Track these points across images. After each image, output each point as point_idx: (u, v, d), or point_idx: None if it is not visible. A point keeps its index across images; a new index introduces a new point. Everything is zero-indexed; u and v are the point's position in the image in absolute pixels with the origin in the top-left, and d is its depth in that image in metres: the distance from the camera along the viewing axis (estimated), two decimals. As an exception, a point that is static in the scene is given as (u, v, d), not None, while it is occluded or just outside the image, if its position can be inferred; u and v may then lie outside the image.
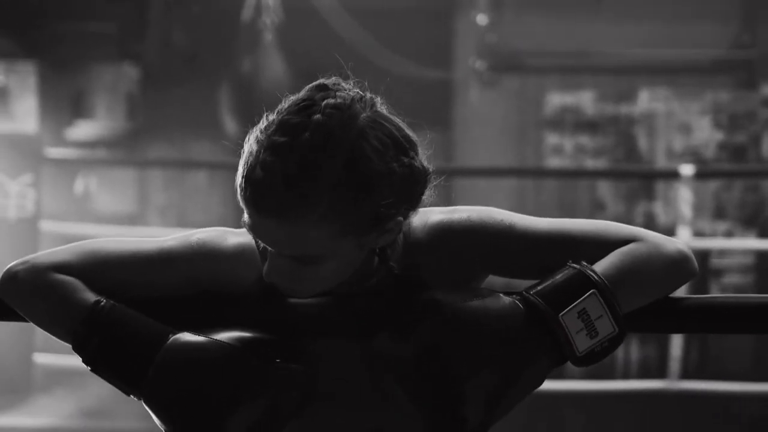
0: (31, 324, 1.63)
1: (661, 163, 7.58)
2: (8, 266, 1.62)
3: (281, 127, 1.47)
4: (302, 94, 1.51)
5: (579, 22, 7.71)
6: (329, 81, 1.53)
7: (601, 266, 1.55)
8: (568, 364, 1.54)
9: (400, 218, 1.53)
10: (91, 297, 1.58)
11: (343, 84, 1.53)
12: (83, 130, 7.79)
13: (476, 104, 7.79)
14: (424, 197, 1.57)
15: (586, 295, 1.51)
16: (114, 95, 7.89)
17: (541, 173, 7.46)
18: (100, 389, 6.68)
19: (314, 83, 1.52)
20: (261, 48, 6.95)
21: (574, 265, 1.54)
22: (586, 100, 7.74)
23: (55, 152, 6.59)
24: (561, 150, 7.73)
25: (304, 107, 1.48)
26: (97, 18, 7.68)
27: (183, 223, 7.74)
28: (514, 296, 1.54)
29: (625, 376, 6.66)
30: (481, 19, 7.72)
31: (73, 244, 1.64)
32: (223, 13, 7.46)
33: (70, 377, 6.63)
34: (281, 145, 1.46)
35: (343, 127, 1.47)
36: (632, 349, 6.79)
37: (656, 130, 7.68)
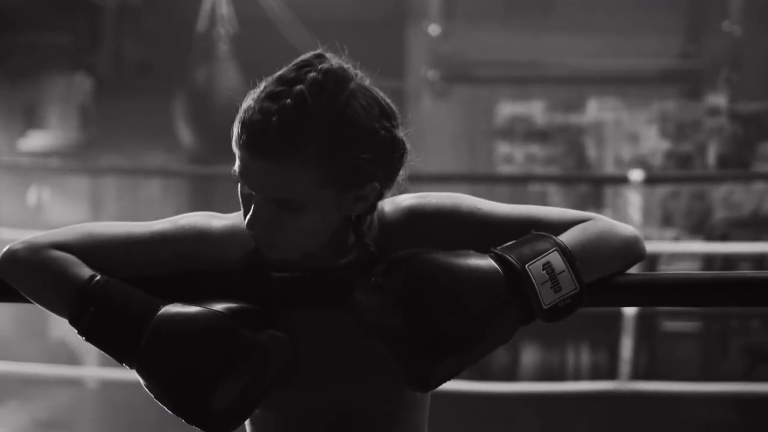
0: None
1: (610, 171, 7.70)
2: (7, 246, 1.70)
3: (280, 79, 1.59)
4: (300, 58, 1.62)
5: (529, 33, 7.83)
6: (326, 53, 1.63)
7: (562, 236, 1.65)
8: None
9: (377, 184, 1.63)
10: (87, 272, 1.66)
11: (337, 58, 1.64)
12: (36, 141, 7.77)
13: (428, 114, 7.87)
14: (400, 174, 1.67)
15: (549, 251, 1.61)
16: (67, 106, 7.88)
17: (493, 179, 7.57)
18: (53, 400, 6.67)
19: (312, 52, 1.63)
20: (215, 59, 6.97)
21: (537, 232, 1.65)
22: (536, 110, 7.85)
23: (5, 159, 6.59)
24: (512, 159, 7.83)
25: (302, 66, 1.60)
26: (50, 29, 7.66)
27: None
28: (485, 254, 1.63)
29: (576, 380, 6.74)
30: (433, 29, 7.82)
31: (69, 227, 1.72)
32: (176, 23, 7.48)
33: (23, 388, 6.60)
34: (279, 92, 1.57)
35: (336, 84, 1.58)
36: (582, 356, 6.88)
37: (605, 139, 7.80)
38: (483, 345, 1.58)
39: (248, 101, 1.60)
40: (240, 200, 1.64)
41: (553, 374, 6.67)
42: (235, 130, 1.59)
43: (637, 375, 5.64)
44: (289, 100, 1.55)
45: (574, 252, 1.62)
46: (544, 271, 1.59)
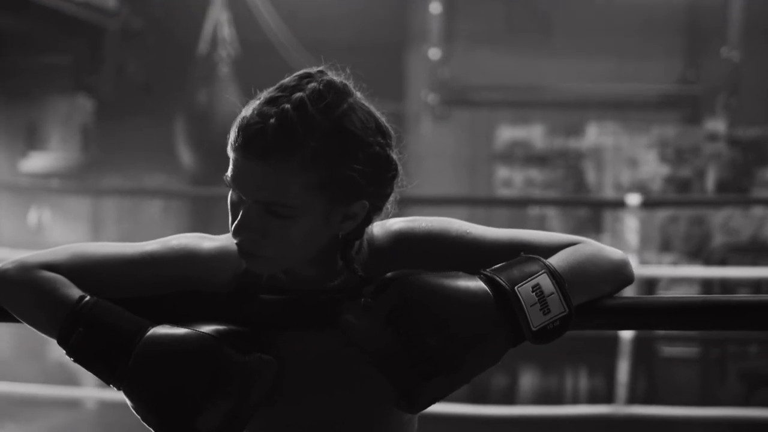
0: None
1: (609, 196, 7.72)
2: None
3: (280, 87, 1.61)
4: (302, 70, 1.64)
5: (529, 57, 7.86)
6: (327, 71, 1.65)
7: (551, 259, 1.66)
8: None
9: (366, 203, 1.63)
10: (76, 293, 1.66)
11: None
12: (37, 161, 7.79)
13: (428, 137, 7.90)
14: (390, 198, 1.68)
15: (538, 273, 1.61)
16: (68, 127, 7.90)
17: (492, 202, 7.59)
18: (51, 421, 6.67)
19: (315, 67, 1.64)
20: (216, 81, 7.00)
21: (527, 255, 1.66)
22: (535, 134, 7.88)
23: (6, 180, 6.62)
24: (511, 183, 7.85)
25: (304, 77, 1.62)
26: (52, 50, 7.70)
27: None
28: (475, 275, 1.63)
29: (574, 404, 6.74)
30: (434, 53, 7.86)
31: (60, 247, 1.72)
32: (178, 45, 7.51)
33: (21, 409, 6.60)
34: (278, 98, 1.59)
35: (336, 95, 1.60)
36: (580, 380, 6.88)
37: (604, 164, 7.82)
38: (472, 366, 1.58)
39: (246, 108, 1.61)
40: (229, 209, 1.64)
41: (550, 398, 6.68)
42: (232, 134, 1.60)
43: (634, 399, 5.64)
44: (288, 105, 1.57)
45: (563, 274, 1.62)
46: (533, 293, 1.59)
